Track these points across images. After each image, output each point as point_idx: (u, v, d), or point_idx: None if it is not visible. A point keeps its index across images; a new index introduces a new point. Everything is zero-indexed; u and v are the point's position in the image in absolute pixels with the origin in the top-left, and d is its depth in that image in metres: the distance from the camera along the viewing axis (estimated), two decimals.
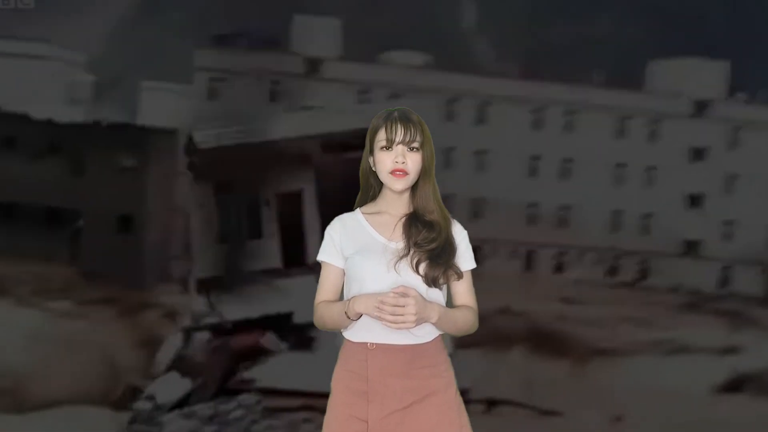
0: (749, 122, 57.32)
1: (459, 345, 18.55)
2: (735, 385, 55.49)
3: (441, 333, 3.23)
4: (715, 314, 49.94)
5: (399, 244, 3.18)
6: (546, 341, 39.59)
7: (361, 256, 3.18)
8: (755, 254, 57.65)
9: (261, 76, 51.93)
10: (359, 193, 3.34)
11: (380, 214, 3.27)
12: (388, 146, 3.19)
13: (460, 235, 3.26)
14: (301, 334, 21.99)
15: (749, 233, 57.66)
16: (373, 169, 3.25)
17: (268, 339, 21.58)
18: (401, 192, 3.22)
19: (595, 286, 55.44)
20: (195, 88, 52.33)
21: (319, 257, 3.28)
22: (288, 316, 22.15)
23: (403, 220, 3.23)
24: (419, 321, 3.06)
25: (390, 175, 3.19)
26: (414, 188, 3.24)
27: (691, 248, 58.18)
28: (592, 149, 56.76)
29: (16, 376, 24.72)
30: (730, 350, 38.66)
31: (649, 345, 38.56)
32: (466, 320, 3.23)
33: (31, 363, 26.64)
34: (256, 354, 23.13)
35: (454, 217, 3.28)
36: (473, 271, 3.31)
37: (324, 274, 3.28)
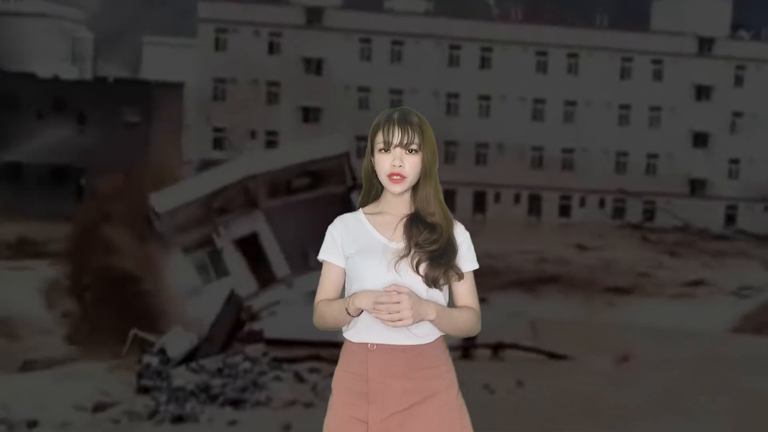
0: (754, 60, 56.64)
1: None
2: (744, 324, 55.28)
3: (442, 334, 3.22)
4: (722, 255, 49.76)
5: (400, 244, 3.17)
6: (553, 283, 39.65)
7: (362, 256, 3.17)
8: (761, 192, 57.31)
9: (263, 26, 51.59)
10: (362, 192, 3.34)
11: (382, 215, 3.26)
12: (386, 149, 3.17)
13: (462, 236, 3.25)
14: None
15: (755, 171, 57.28)
16: (374, 169, 3.24)
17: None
18: (400, 194, 3.22)
19: (601, 227, 55.20)
20: (200, 40, 51.94)
21: (320, 256, 3.27)
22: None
23: (404, 220, 3.22)
24: (416, 318, 3.05)
25: (387, 178, 3.18)
26: (415, 188, 3.23)
27: (696, 187, 57.88)
28: (597, 91, 56.27)
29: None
30: (741, 290, 38.62)
31: (656, 286, 38.49)
32: (466, 321, 3.21)
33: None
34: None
35: (456, 218, 3.27)
36: (475, 272, 3.29)
37: (324, 273, 3.28)
